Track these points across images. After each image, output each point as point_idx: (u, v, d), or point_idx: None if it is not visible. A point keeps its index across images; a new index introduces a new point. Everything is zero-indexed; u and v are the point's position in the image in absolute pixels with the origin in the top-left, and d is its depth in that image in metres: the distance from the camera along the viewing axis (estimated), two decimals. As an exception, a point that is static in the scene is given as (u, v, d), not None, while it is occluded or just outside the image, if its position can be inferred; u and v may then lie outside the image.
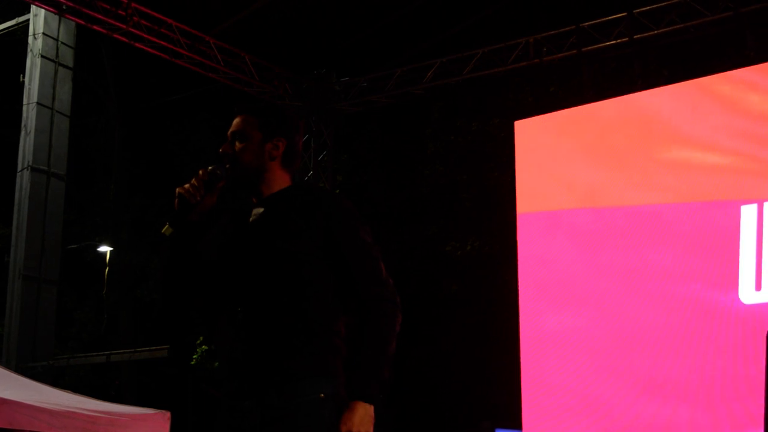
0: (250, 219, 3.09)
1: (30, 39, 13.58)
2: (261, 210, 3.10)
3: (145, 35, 10.75)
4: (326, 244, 3.01)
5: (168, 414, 8.84)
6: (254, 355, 2.92)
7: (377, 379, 2.92)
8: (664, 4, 10.32)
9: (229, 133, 3.18)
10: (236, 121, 3.18)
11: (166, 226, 3.04)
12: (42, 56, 13.33)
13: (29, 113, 13.25)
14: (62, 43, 13.60)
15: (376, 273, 3.05)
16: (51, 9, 10.56)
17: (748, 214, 8.14)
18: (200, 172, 3.06)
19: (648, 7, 10.43)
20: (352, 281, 3.02)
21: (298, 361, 2.91)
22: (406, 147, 17.68)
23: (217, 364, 3.19)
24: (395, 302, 3.04)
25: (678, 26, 10.27)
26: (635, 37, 10.50)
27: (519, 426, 9.09)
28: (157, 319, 18.08)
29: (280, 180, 3.16)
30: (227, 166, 3.10)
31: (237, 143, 3.13)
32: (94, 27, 10.60)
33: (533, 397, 9.03)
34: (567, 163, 9.40)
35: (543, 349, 9.06)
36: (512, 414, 9.42)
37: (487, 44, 11.45)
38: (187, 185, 3.04)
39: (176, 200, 3.04)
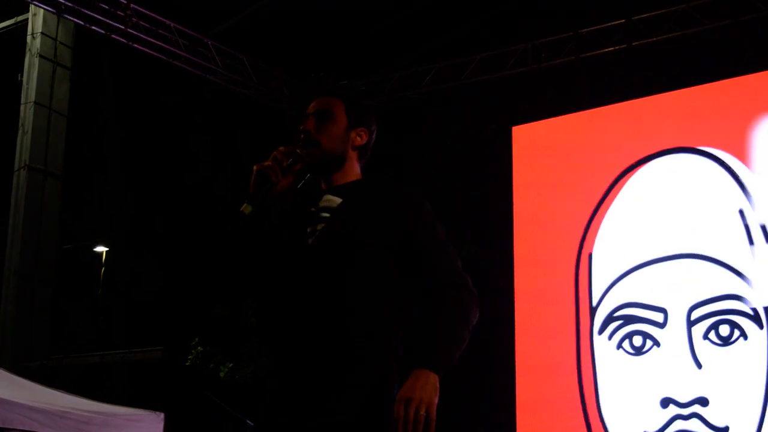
0: (320, 205, 2.95)
1: (28, 38, 13.58)
2: (336, 199, 2.95)
3: (144, 36, 10.77)
4: (406, 241, 2.89)
5: (162, 415, 8.84)
6: (318, 356, 2.78)
7: (447, 355, 2.77)
8: (663, 11, 10.35)
9: (311, 112, 3.04)
10: (320, 101, 3.06)
11: (245, 204, 2.83)
12: (40, 56, 13.32)
13: (27, 112, 13.25)
14: (60, 42, 13.59)
15: (457, 267, 2.95)
16: (50, 9, 10.57)
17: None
18: (281, 148, 2.92)
19: (647, 14, 10.46)
20: (432, 276, 2.89)
21: (373, 365, 2.79)
22: (402, 151, 17.67)
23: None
24: (476, 295, 2.94)
25: (677, 33, 10.30)
26: (634, 43, 10.52)
27: (513, 432, 9.04)
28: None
29: (354, 171, 3.05)
30: (311, 148, 2.96)
31: (322, 124, 3.00)
32: (93, 27, 10.61)
33: (527, 404, 8.96)
34: (565, 169, 9.37)
35: (538, 354, 8.98)
36: (508, 421, 9.39)
37: (486, 50, 11.47)
38: (267, 162, 2.88)
39: (254, 177, 2.87)
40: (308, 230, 2.91)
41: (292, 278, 2.87)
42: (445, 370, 2.76)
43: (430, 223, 2.98)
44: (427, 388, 2.68)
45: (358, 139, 3.06)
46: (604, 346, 8.23)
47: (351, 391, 2.76)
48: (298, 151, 2.93)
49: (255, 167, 2.89)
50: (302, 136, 3.00)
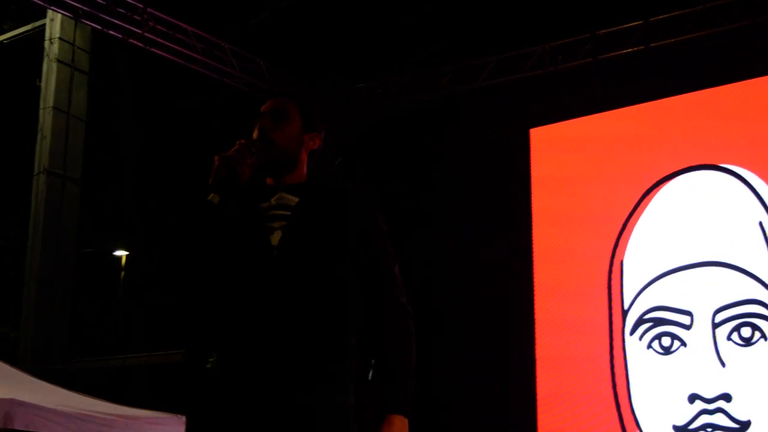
0: (273, 201, 2.98)
1: (46, 44, 13.64)
2: (293, 198, 2.98)
3: (161, 40, 10.79)
4: (358, 245, 2.95)
5: (183, 418, 8.85)
6: (283, 354, 2.79)
7: (410, 391, 2.90)
8: (680, 12, 10.31)
9: (267, 111, 3.08)
10: (276, 101, 3.10)
11: (212, 194, 2.83)
12: (58, 61, 13.39)
13: (45, 117, 13.31)
14: (78, 47, 13.65)
15: (399, 280, 3.01)
16: (67, 14, 10.60)
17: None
18: (242, 141, 2.94)
19: (664, 15, 10.42)
20: (378, 286, 2.96)
21: (329, 364, 2.84)
22: (420, 154, 17.66)
23: (214, 359, 2.95)
24: (411, 311, 3.01)
25: (695, 35, 10.26)
26: (651, 45, 10.49)
27: (533, 434, 9.07)
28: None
29: (303, 173, 3.08)
30: (267, 145, 2.98)
31: (278, 124, 3.04)
32: (111, 32, 10.64)
33: (549, 406, 9.02)
34: (583, 170, 9.39)
35: (566, 352, 9.07)
36: (527, 424, 9.40)
37: (503, 52, 11.46)
38: (232, 153, 2.90)
39: (217, 167, 2.86)
40: (266, 226, 2.94)
41: (256, 277, 2.88)
42: (410, 404, 2.90)
43: (382, 230, 3.04)
44: None
45: (311, 143, 3.11)
46: (635, 347, 8.63)
47: (298, 392, 2.79)
48: (258, 144, 2.96)
49: (217, 157, 2.90)
50: (257, 132, 3.04)
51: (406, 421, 2.86)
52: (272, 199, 3.00)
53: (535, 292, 9.43)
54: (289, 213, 2.96)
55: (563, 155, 9.69)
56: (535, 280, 9.47)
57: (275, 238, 2.91)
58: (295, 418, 2.78)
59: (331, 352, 2.86)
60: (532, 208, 9.70)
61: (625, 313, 8.73)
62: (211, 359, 2.99)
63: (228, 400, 2.85)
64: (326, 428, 2.81)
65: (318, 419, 2.79)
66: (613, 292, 8.84)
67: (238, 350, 2.86)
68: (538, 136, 10.04)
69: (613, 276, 8.87)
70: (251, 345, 2.83)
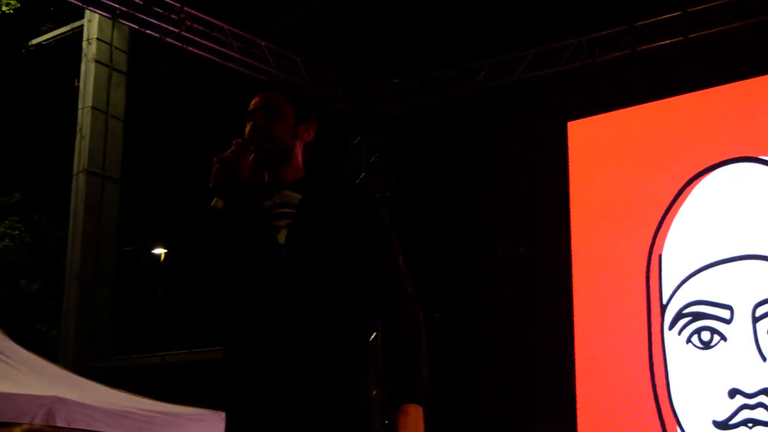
0: (277, 200, 2.95)
1: (84, 44, 13.75)
2: (296, 195, 2.96)
3: (198, 39, 10.83)
4: (363, 240, 2.93)
5: (223, 414, 8.86)
6: (293, 352, 2.78)
7: (423, 379, 2.86)
8: (719, 2, 10.20)
9: (259, 106, 3.03)
10: (266, 96, 3.04)
11: (215, 199, 2.82)
12: (96, 61, 13.50)
13: (84, 117, 13.42)
14: (116, 47, 13.76)
15: (404, 270, 2.99)
16: (105, 14, 10.66)
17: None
18: (238, 140, 2.91)
19: (703, 6, 10.31)
20: (383, 278, 2.94)
21: (344, 360, 2.83)
22: (458, 148, 17.63)
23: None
24: (420, 301, 2.98)
25: (734, 25, 10.14)
26: (690, 36, 10.38)
27: (574, 430, 9.03)
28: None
29: (299, 166, 3.05)
30: (263, 142, 2.94)
31: (272, 119, 3.00)
32: (148, 31, 10.69)
33: (588, 400, 8.97)
34: (621, 164, 9.32)
35: (598, 352, 9.00)
36: (566, 417, 9.35)
37: (539, 45, 11.40)
38: (229, 154, 2.86)
39: (221, 169, 2.84)
40: (272, 224, 2.92)
41: (266, 276, 2.87)
42: (425, 392, 2.88)
43: (385, 224, 3.01)
44: (419, 423, 2.81)
45: (306, 134, 3.07)
46: (674, 341, 8.55)
47: (318, 389, 2.78)
48: (255, 142, 2.92)
49: (216, 159, 2.87)
50: (251, 131, 2.98)
51: (420, 409, 2.83)
52: (276, 197, 2.97)
53: (573, 287, 9.37)
54: (294, 211, 2.94)
55: (601, 149, 9.63)
56: (573, 274, 9.42)
57: (282, 236, 2.90)
58: (307, 417, 2.77)
59: (343, 348, 2.84)
60: (570, 203, 9.64)
61: (663, 307, 8.65)
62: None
63: (238, 399, 2.87)
64: (343, 424, 2.79)
65: (333, 416, 2.78)
66: (651, 286, 8.76)
67: (245, 349, 2.86)
68: (576, 129, 9.98)
69: (651, 270, 8.78)
70: (258, 344, 2.83)
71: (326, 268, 2.87)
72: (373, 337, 2.98)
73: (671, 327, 8.55)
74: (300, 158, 3.06)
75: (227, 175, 2.84)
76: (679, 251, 8.75)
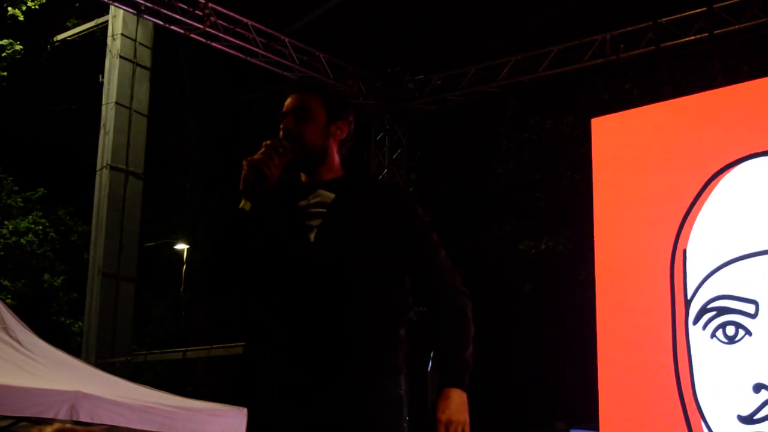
0: (313, 200, 2.97)
1: (108, 40, 13.80)
2: (329, 194, 2.97)
3: (222, 35, 10.85)
4: (402, 236, 2.94)
5: (245, 410, 8.89)
6: (332, 347, 2.82)
7: (468, 367, 2.91)
8: (745, -2, 10.13)
9: (289, 109, 3.05)
10: (297, 98, 3.06)
11: (243, 201, 2.86)
12: (120, 57, 13.53)
13: (108, 113, 13.47)
14: (140, 43, 13.79)
15: (448, 264, 3.01)
16: (130, 10, 10.70)
17: None
18: (269, 142, 2.93)
19: (728, 2, 10.23)
20: (429, 273, 2.97)
21: (377, 356, 2.85)
22: (480, 145, 17.62)
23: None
24: (467, 293, 3.01)
25: (760, 20, 10.06)
26: (715, 32, 10.31)
27: (596, 427, 8.99)
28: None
29: (335, 165, 3.06)
30: (294, 144, 2.96)
31: (302, 120, 3.01)
32: (172, 27, 10.72)
33: (611, 397, 8.94)
34: (645, 159, 9.27)
35: (621, 347, 8.98)
36: (588, 414, 9.33)
37: (563, 41, 11.35)
38: (258, 156, 2.89)
39: (249, 172, 2.87)
40: (306, 224, 2.94)
41: (297, 274, 2.89)
42: (469, 381, 2.92)
43: (424, 221, 3.02)
44: (462, 408, 2.85)
45: (339, 132, 3.07)
46: (698, 336, 8.51)
47: (351, 384, 2.81)
48: (285, 144, 2.94)
49: (245, 161, 2.90)
50: (282, 133, 3.01)
51: (464, 395, 2.87)
52: (310, 197, 2.99)
53: (596, 282, 9.33)
54: (325, 210, 2.96)
55: (625, 145, 9.57)
56: (596, 270, 9.38)
57: (313, 235, 2.93)
58: (337, 413, 2.79)
59: (372, 344, 2.86)
60: (594, 198, 9.59)
61: (688, 302, 8.62)
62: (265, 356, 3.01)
63: (273, 395, 2.89)
64: (372, 420, 2.81)
65: (362, 411, 2.80)
66: (675, 281, 8.73)
67: (276, 345, 2.91)
68: (600, 125, 9.92)
69: (675, 265, 8.75)
70: (289, 341, 2.87)
71: (355, 266, 2.88)
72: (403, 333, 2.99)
73: (696, 322, 8.52)
74: (336, 157, 3.07)
75: (256, 177, 2.86)
76: (704, 246, 8.69)
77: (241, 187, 2.88)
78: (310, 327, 2.84)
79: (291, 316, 2.88)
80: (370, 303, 2.86)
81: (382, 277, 2.91)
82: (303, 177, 3.07)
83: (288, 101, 3.08)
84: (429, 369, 9.42)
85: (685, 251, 8.69)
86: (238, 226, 2.91)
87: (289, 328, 2.88)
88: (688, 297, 8.60)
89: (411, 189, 14.24)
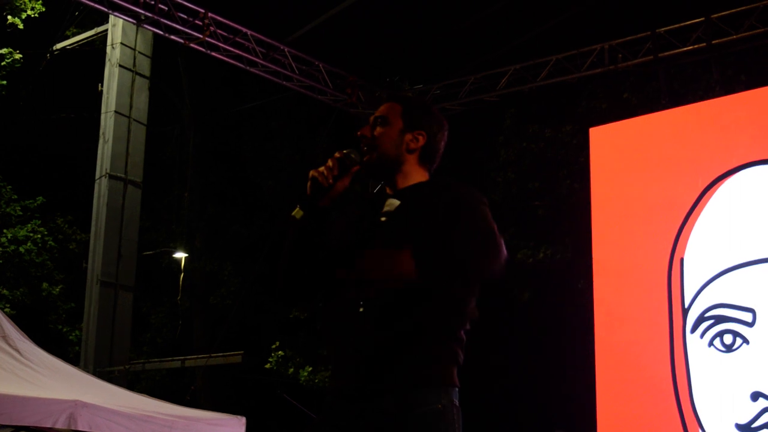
0: (383, 210, 2.98)
1: (108, 49, 13.81)
2: (396, 202, 2.99)
3: (222, 44, 10.87)
4: (445, 230, 2.82)
5: (243, 419, 8.91)
6: (374, 356, 2.80)
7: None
8: (743, 8, 10.15)
9: (372, 117, 3.10)
10: (382, 106, 3.11)
11: (297, 208, 2.93)
12: (120, 65, 13.55)
13: (107, 122, 13.48)
14: (139, 52, 13.81)
15: (492, 242, 2.88)
16: (130, 20, 10.72)
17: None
18: (336, 154, 2.96)
19: (726, 12, 10.26)
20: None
21: (419, 367, 2.80)
22: (479, 153, 17.63)
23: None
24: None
25: (758, 31, 10.09)
26: (713, 42, 10.34)
27: (594, 434, 9.01)
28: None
29: (417, 175, 3.06)
30: (363, 149, 3.01)
31: (378, 128, 3.04)
32: (172, 37, 10.74)
33: (609, 404, 8.95)
34: (642, 168, 9.30)
35: (619, 355, 8.99)
36: (586, 422, 9.34)
37: (562, 51, 11.38)
38: (321, 168, 2.93)
39: (309, 183, 2.92)
40: (375, 232, 2.95)
41: (345, 286, 2.88)
42: None
43: (469, 207, 2.94)
44: None
45: (413, 142, 3.06)
46: (696, 345, 8.54)
47: (389, 396, 2.78)
48: (352, 155, 2.98)
49: (311, 173, 2.94)
50: (359, 138, 3.06)
51: None
52: (382, 207, 3.01)
53: (594, 291, 9.35)
54: (386, 219, 2.99)
55: (623, 154, 9.60)
56: (594, 278, 9.40)
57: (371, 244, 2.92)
58: (377, 423, 2.78)
59: (418, 356, 2.81)
60: (592, 207, 9.62)
61: (685, 311, 8.64)
62: (270, 359, 3.06)
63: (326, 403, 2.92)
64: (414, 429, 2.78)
65: (402, 423, 2.77)
66: (673, 289, 8.75)
67: (333, 356, 2.94)
68: (598, 135, 9.95)
69: (673, 274, 8.78)
70: (341, 352, 2.89)
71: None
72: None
73: (693, 330, 8.54)
74: (416, 165, 3.08)
75: (313, 188, 2.92)
76: (701, 254, 8.72)
77: (308, 194, 2.94)
78: (355, 338, 2.83)
79: (339, 327, 2.90)
80: (413, 313, 2.81)
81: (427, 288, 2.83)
82: (387, 189, 3.08)
83: (377, 110, 3.14)
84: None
85: (682, 260, 8.71)
86: (287, 230, 2.95)
87: (338, 339, 2.90)
88: (686, 305, 8.61)
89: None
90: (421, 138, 3.07)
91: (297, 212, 2.93)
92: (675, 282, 8.77)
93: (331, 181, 2.91)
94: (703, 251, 8.70)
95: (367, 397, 2.79)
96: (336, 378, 2.90)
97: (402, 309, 2.79)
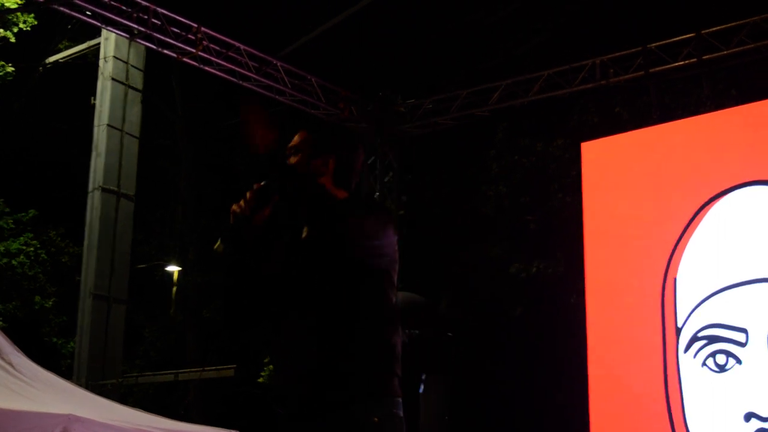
0: (304, 234, 3.09)
1: (101, 62, 13.84)
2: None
3: (214, 59, 10.90)
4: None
5: (236, 434, 8.89)
6: (311, 374, 2.90)
7: None
8: (733, 24, 10.22)
9: (287, 147, 3.23)
10: (295, 136, 3.24)
11: (218, 242, 3.05)
12: (112, 79, 13.57)
13: (100, 135, 13.49)
14: (132, 66, 13.84)
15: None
16: (123, 34, 10.73)
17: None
18: (254, 185, 3.07)
19: (717, 28, 10.33)
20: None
21: (353, 383, 2.89)
22: (471, 167, 17.65)
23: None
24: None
25: (748, 46, 10.16)
26: (704, 57, 10.40)
27: (587, 451, 9.02)
28: (226, 334, 18.21)
29: (328, 195, 3.13)
30: (283, 180, 3.08)
31: (291, 158, 3.17)
32: (165, 51, 10.76)
33: (602, 422, 8.95)
34: (635, 185, 9.32)
35: (612, 374, 8.99)
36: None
37: (553, 66, 11.43)
38: (240, 202, 3.06)
39: (231, 216, 3.06)
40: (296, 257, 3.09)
41: (282, 304, 3.06)
42: None
43: (359, 230, 3.05)
44: None
45: (324, 166, 3.17)
46: (689, 364, 8.52)
47: (331, 410, 2.87)
48: (270, 186, 3.08)
49: (232, 206, 3.08)
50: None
51: None
52: (301, 230, 3.13)
53: (587, 310, 9.35)
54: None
55: (615, 169, 9.63)
56: (587, 296, 9.40)
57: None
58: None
59: (357, 369, 2.91)
60: (584, 224, 9.63)
61: (678, 330, 8.64)
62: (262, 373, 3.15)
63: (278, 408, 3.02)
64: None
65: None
66: (666, 309, 8.75)
67: (278, 375, 3.09)
68: (590, 150, 9.98)
69: (666, 293, 8.78)
70: (284, 370, 3.03)
71: (326, 290, 2.98)
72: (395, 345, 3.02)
73: (686, 350, 8.53)
74: (332, 187, 3.17)
75: (234, 220, 3.05)
76: (694, 274, 8.73)
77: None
78: (295, 356, 2.95)
79: (282, 347, 3.05)
80: (346, 328, 2.93)
81: (359, 298, 2.98)
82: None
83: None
84: (420, 391, 9.46)
85: (675, 279, 8.72)
86: (221, 266, 3.07)
87: (282, 357, 3.04)
88: (679, 325, 8.61)
89: (402, 212, 14.24)
90: (330, 162, 3.17)
91: (218, 246, 3.05)
92: (668, 301, 8.77)
93: (248, 212, 3.03)
94: (697, 271, 8.71)
95: (307, 416, 2.90)
96: (281, 398, 3.00)
97: (337, 324, 2.92)
